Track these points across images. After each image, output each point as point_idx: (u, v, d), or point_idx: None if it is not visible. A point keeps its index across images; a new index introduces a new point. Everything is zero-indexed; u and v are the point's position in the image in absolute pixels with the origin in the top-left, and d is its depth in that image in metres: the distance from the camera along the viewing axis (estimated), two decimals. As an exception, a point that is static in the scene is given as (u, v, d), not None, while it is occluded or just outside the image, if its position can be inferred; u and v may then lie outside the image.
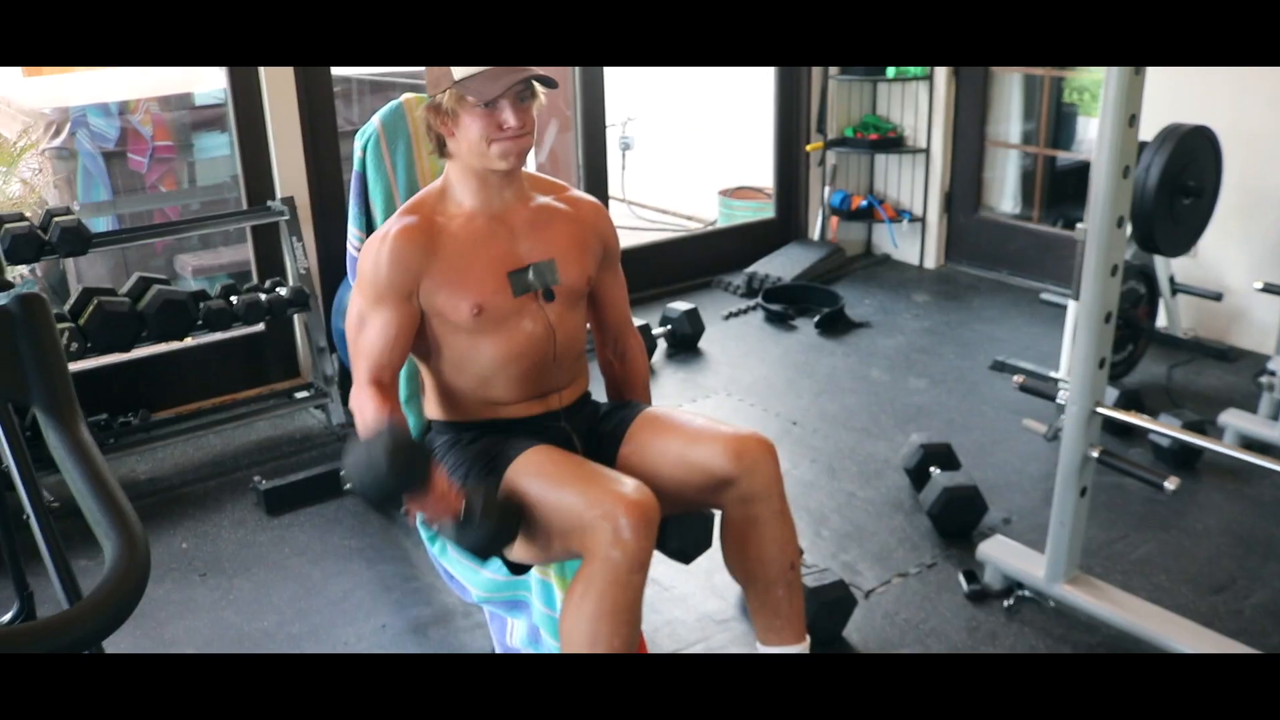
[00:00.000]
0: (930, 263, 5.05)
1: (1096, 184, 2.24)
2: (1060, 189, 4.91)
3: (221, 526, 3.03)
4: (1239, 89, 3.83)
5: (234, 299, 3.37)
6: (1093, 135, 5.00)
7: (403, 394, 2.17)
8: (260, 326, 3.62)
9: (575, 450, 2.05)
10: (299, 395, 3.66)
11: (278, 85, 3.55)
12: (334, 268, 3.75)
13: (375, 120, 2.26)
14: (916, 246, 5.07)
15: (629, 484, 1.82)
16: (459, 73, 1.85)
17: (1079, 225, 3.64)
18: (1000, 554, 2.62)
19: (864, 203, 5.01)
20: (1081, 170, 4.87)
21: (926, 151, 4.89)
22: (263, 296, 3.40)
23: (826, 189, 5.06)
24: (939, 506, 2.84)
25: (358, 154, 2.26)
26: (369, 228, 2.26)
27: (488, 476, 1.93)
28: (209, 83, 4.59)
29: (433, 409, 2.11)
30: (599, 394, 2.21)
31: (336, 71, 3.79)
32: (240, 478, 3.27)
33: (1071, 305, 3.65)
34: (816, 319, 4.37)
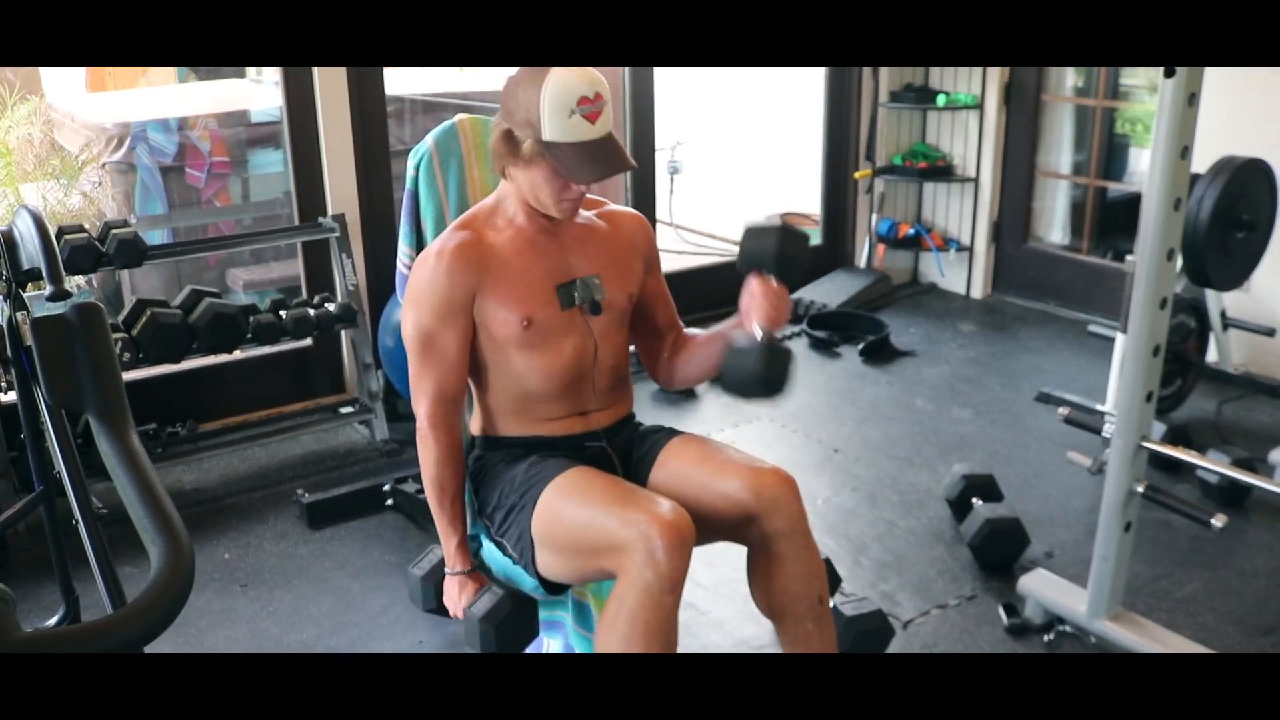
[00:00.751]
0: (977, 292, 5.01)
1: (1147, 216, 2.22)
2: (1110, 221, 4.87)
3: (264, 538, 3.06)
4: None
5: (283, 313, 3.42)
6: (1144, 167, 4.96)
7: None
8: (308, 341, 3.68)
9: (615, 470, 2.06)
10: (344, 410, 3.70)
11: (332, 102, 3.62)
12: (383, 285, 3.80)
13: (429, 140, 2.29)
14: (963, 276, 5.04)
15: (664, 504, 1.82)
16: (549, 132, 1.84)
17: (1129, 258, 3.61)
18: (1042, 588, 2.58)
19: (911, 231, 4.99)
20: (1132, 202, 4.82)
21: (975, 180, 4.87)
22: (311, 312, 3.45)
23: (874, 216, 5.04)
24: (980, 538, 2.81)
25: (410, 172, 2.29)
26: (419, 245, 2.29)
27: (527, 493, 1.95)
28: (265, 100, 4.68)
29: (477, 424, 2.13)
30: (643, 415, 2.21)
31: (389, 90, 3.84)
32: (284, 490, 3.31)
33: (1119, 338, 3.60)
34: (861, 346, 4.35)
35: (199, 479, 3.42)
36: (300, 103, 3.61)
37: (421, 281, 1.97)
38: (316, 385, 3.88)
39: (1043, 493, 3.22)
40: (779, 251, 1.93)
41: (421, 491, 3.05)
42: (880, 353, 4.34)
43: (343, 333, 3.72)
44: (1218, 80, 3.67)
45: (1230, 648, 2.46)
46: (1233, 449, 3.17)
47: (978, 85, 4.77)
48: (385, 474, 3.37)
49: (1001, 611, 2.63)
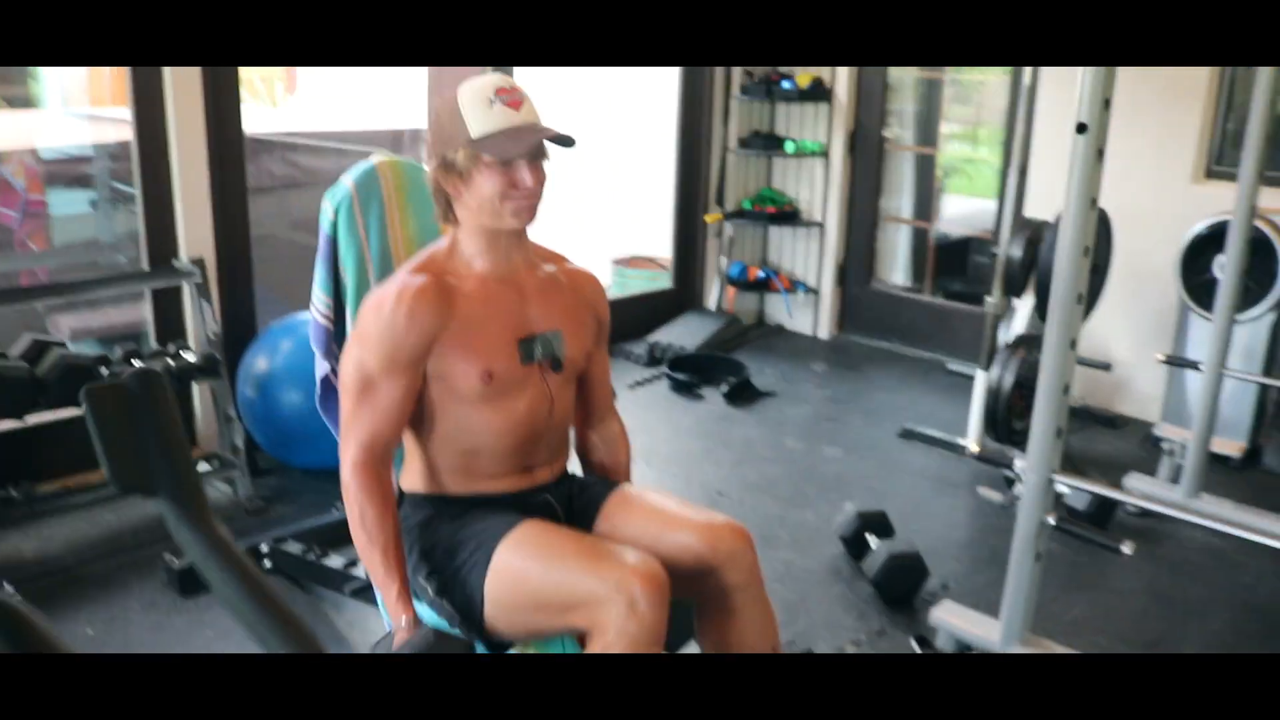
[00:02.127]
0: (824, 333, 5.18)
1: (1059, 262, 2.33)
2: (945, 263, 5.14)
3: (131, 609, 2.79)
4: (1121, 173, 4.08)
5: (137, 364, 3.16)
6: (953, 211, 5.27)
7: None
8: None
9: (560, 524, 1.99)
10: (200, 466, 3.44)
11: (187, 136, 3.39)
12: (240, 333, 3.58)
13: (348, 182, 2.16)
14: (810, 317, 5.20)
15: (634, 554, 1.77)
16: (475, 129, 1.80)
17: (988, 300, 3.81)
18: (953, 619, 2.65)
19: (761, 274, 5.12)
20: (960, 246, 5.13)
21: (821, 225, 5.04)
22: (170, 363, 3.19)
23: (723, 259, 5.14)
24: (883, 574, 2.87)
25: (328, 216, 2.15)
26: (337, 294, 2.16)
27: (476, 551, 1.85)
28: (79, 135, 4.34)
29: (412, 480, 2.01)
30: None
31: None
32: (144, 555, 3.03)
33: (980, 375, 3.79)
34: (724, 389, 4.40)
35: (41, 547, 3.09)
36: (151, 136, 3.36)
37: (373, 322, 1.83)
38: (164, 441, 3.59)
39: (924, 526, 3.32)
40: None
41: (309, 551, 2.88)
42: (743, 394, 4.40)
43: (194, 385, 3.47)
44: (1054, 135, 3.97)
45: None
46: (1091, 476, 3.37)
47: (824, 133, 4.95)
48: (255, 533, 3.14)
49: (914, 644, 2.68)
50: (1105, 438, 4.06)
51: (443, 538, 1.91)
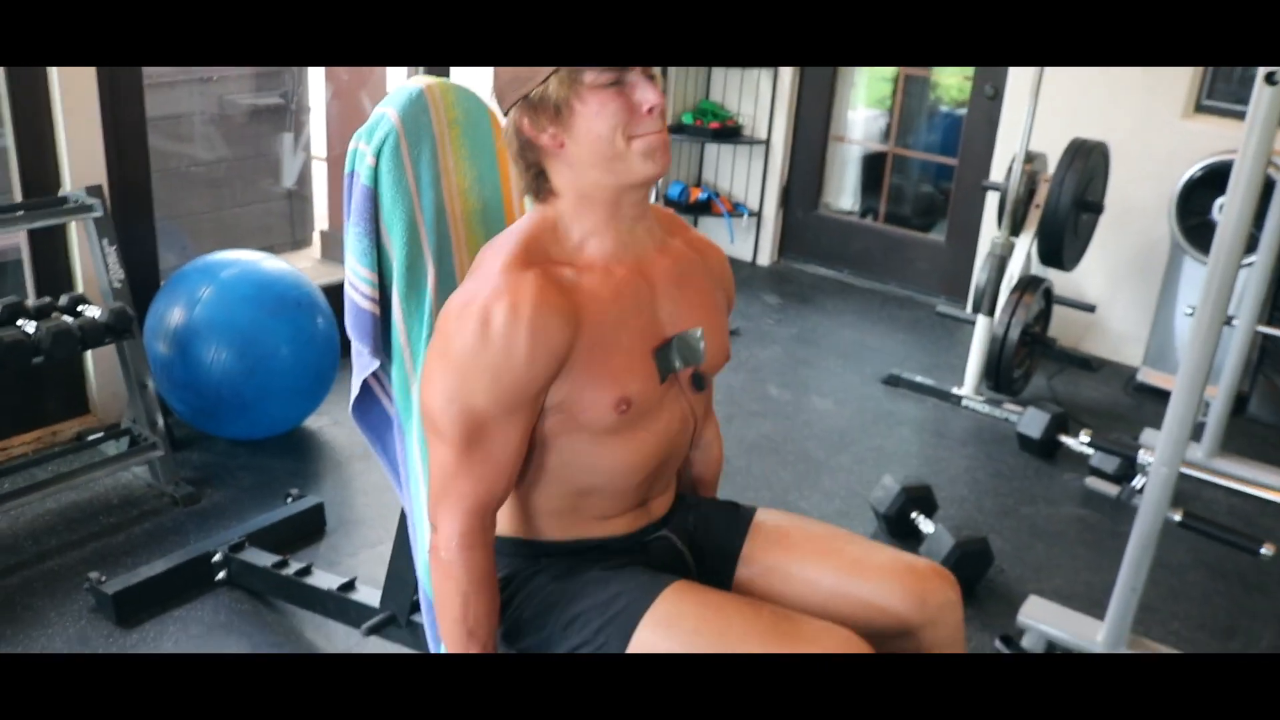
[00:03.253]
0: (765, 259, 4.81)
1: (1223, 232, 2.01)
2: (899, 189, 4.83)
3: (55, 644, 2.20)
4: (1108, 106, 3.85)
5: (25, 324, 2.47)
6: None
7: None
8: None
9: (687, 569, 1.57)
10: (96, 440, 2.78)
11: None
12: (142, 279, 2.91)
13: (391, 114, 1.61)
14: (750, 242, 4.81)
15: (831, 634, 1.38)
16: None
17: (993, 239, 3.53)
18: (1046, 617, 2.39)
19: (703, 195, 4.68)
20: (937, 170, 4.83)
21: (766, 143, 4.63)
22: (71, 321, 2.52)
23: (660, 181, 4.66)
24: (951, 562, 2.57)
25: (367, 160, 1.60)
26: (381, 268, 1.62)
27: (605, 629, 1.41)
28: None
29: (506, 523, 1.53)
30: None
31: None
32: (54, 570, 2.42)
33: (981, 321, 3.53)
34: (683, 327, 3.99)
35: (-89, 563, 2.42)
36: (23, 29, 2.60)
37: (477, 345, 1.32)
38: (47, 408, 2.92)
39: (954, 494, 3.05)
40: None
41: (280, 565, 2.34)
42: (704, 333, 4.00)
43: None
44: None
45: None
46: (1121, 438, 3.16)
47: (773, 42, 4.51)
48: (194, 534, 2.58)
49: (999, 644, 2.41)
50: (1086, 382, 3.89)
51: (546, 604, 1.46)
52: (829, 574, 1.55)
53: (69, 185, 2.72)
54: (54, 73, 2.64)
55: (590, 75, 1.31)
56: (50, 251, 2.80)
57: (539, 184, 1.41)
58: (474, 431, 1.35)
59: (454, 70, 3.36)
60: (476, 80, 1.80)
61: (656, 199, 4.67)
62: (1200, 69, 3.76)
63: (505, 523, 1.51)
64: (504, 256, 1.38)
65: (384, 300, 1.64)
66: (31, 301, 2.58)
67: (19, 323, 2.49)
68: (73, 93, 2.68)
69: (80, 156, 2.72)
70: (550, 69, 1.32)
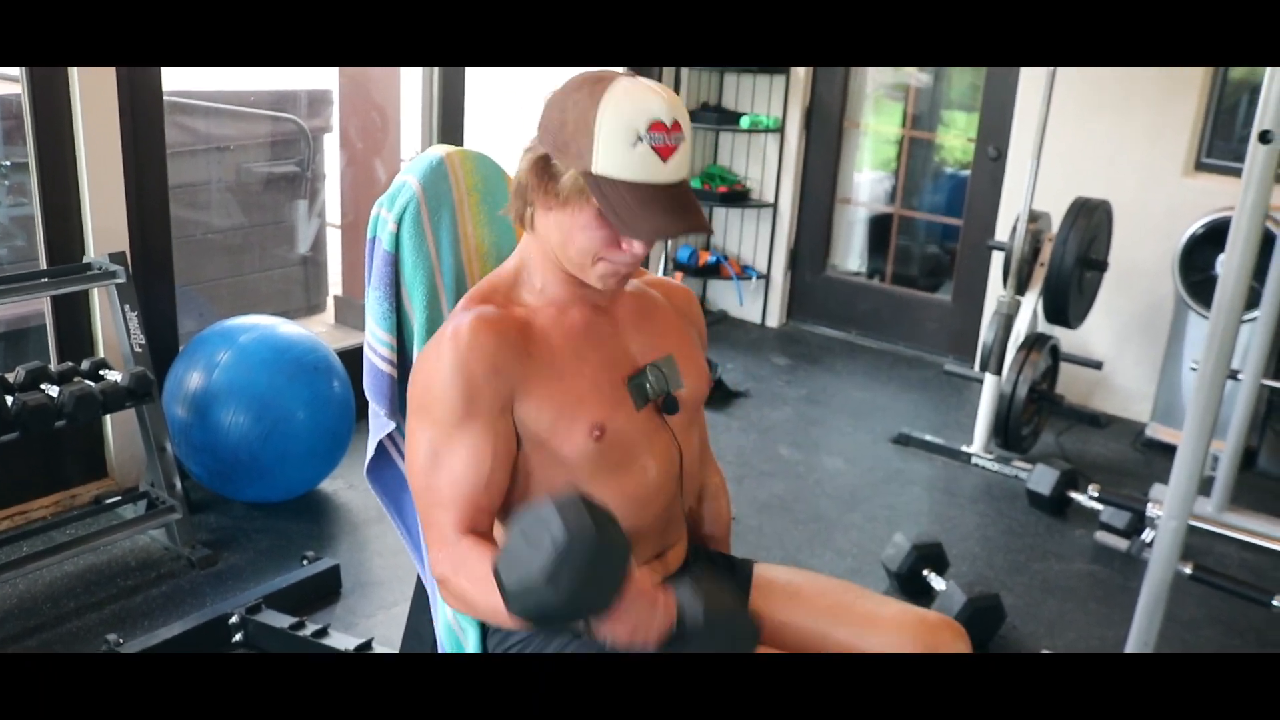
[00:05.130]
0: (773, 321, 4.86)
1: (1223, 289, 2.05)
2: (905, 250, 4.88)
3: (73, 711, 2.21)
4: (1110, 164, 3.92)
5: (48, 388, 2.52)
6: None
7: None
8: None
9: None
10: (125, 508, 2.82)
11: (96, 101, 2.72)
12: (162, 343, 2.96)
13: (412, 181, 1.66)
14: (758, 304, 4.87)
15: None
16: (601, 162, 1.32)
17: (1000, 297, 3.57)
18: (1060, 675, 2.39)
19: (712, 258, 4.74)
20: (941, 232, 4.88)
21: (774, 206, 4.70)
22: (93, 386, 2.57)
23: (669, 242, 4.74)
24: (964, 619, 2.57)
25: (388, 227, 1.65)
26: (401, 331, 1.67)
27: None
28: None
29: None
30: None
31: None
32: (72, 632, 2.44)
33: (989, 379, 3.55)
34: (694, 387, 4.02)
35: (-69, 627, 2.44)
36: (50, 101, 2.69)
37: (433, 379, 1.39)
38: (66, 471, 2.95)
39: (965, 551, 3.06)
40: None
41: (297, 627, 2.36)
42: (715, 394, 4.04)
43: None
44: (1061, 122, 3.75)
45: None
46: (1130, 494, 3.18)
47: (778, 107, 4.60)
48: (212, 595, 2.60)
49: (1014, 703, 2.41)
50: (1095, 439, 3.91)
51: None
52: (841, 628, 1.57)
53: (92, 252, 2.78)
54: (80, 141, 2.71)
55: (597, 204, 1.34)
56: (73, 316, 2.86)
57: (525, 214, 1.45)
58: (436, 458, 1.40)
59: (471, 141, 3.44)
60: (493, 148, 1.86)
61: (666, 263, 4.73)
62: (1199, 127, 3.83)
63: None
64: (463, 303, 1.48)
65: (402, 363, 1.68)
66: (55, 366, 2.64)
67: (42, 387, 2.54)
68: (98, 160, 2.75)
69: (104, 223, 2.79)
70: (574, 161, 1.34)
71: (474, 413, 1.38)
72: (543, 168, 1.39)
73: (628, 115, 1.31)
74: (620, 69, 1.41)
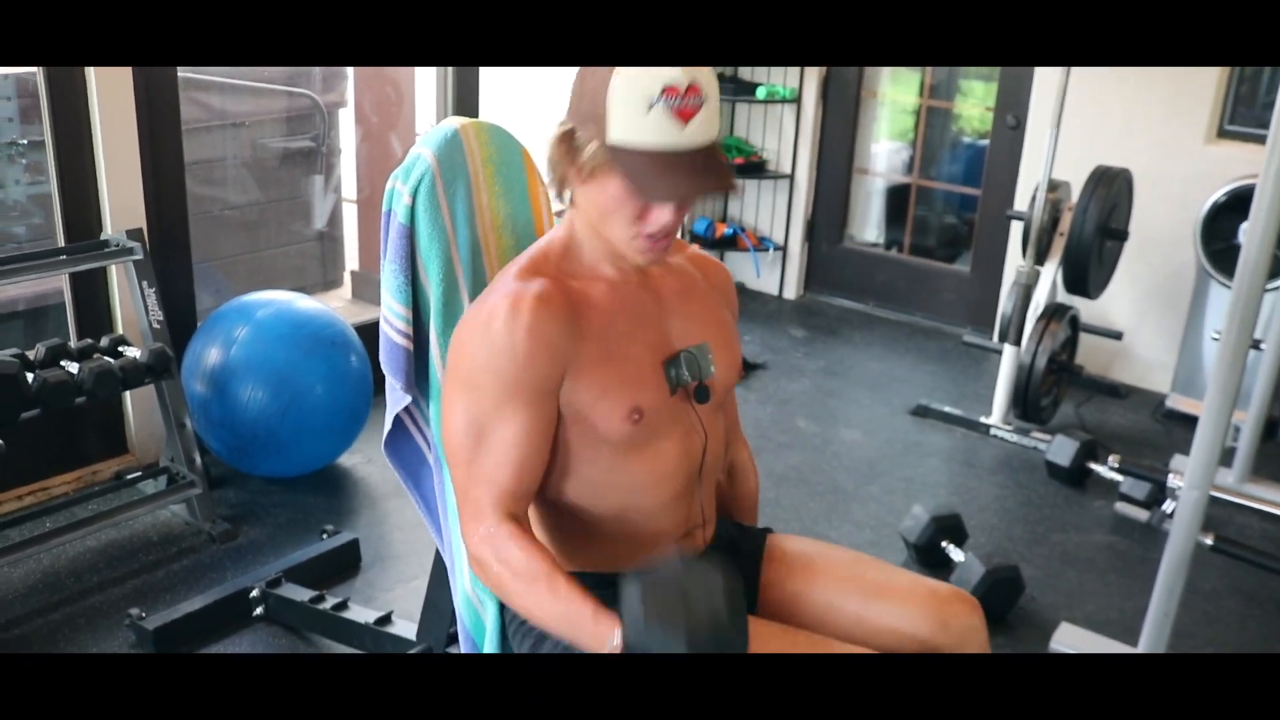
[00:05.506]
0: (790, 293, 4.84)
1: (1243, 269, 2.02)
2: (924, 221, 4.85)
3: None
4: (1130, 132, 3.87)
5: (68, 365, 2.54)
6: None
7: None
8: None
9: None
10: (135, 479, 2.83)
11: (110, 76, 2.72)
12: (180, 319, 2.97)
13: (427, 153, 1.66)
14: (775, 276, 4.84)
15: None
16: (617, 130, 1.32)
17: (1019, 268, 3.54)
18: (1079, 644, 2.39)
19: (728, 230, 4.72)
20: (959, 201, 4.84)
21: (791, 177, 4.67)
22: (113, 362, 2.58)
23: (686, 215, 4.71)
24: (982, 591, 2.57)
25: (402, 199, 1.64)
26: (416, 304, 1.67)
27: None
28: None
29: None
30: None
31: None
32: (95, 606, 2.47)
33: (1008, 350, 3.53)
34: (711, 360, 4.02)
35: (-44, 601, 2.47)
36: (66, 79, 2.68)
37: (481, 348, 1.38)
38: (87, 448, 2.97)
39: (984, 523, 3.05)
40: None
41: (317, 600, 2.38)
42: (732, 366, 4.03)
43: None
44: (1081, 90, 3.71)
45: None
46: (1155, 466, 3.16)
47: (795, 78, 4.56)
48: (232, 570, 2.62)
49: (1032, 674, 2.41)
50: (1114, 409, 3.88)
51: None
52: (852, 599, 1.57)
53: (109, 229, 2.79)
54: (96, 119, 2.72)
55: (622, 170, 1.33)
56: (91, 294, 2.87)
57: (562, 188, 1.44)
58: (480, 432, 1.39)
59: (486, 113, 3.43)
60: (508, 120, 1.85)
61: (682, 235, 4.71)
62: (1222, 94, 3.77)
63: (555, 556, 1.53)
64: (514, 269, 1.46)
65: (419, 336, 1.68)
66: (74, 343, 2.65)
67: (62, 364, 2.55)
68: (114, 139, 2.75)
69: (120, 201, 2.79)
70: (594, 132, 1.33)
71: (523, 391, 1.38)
72: (567, 142, 1.38)
73: (640, 81, 1.30)
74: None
